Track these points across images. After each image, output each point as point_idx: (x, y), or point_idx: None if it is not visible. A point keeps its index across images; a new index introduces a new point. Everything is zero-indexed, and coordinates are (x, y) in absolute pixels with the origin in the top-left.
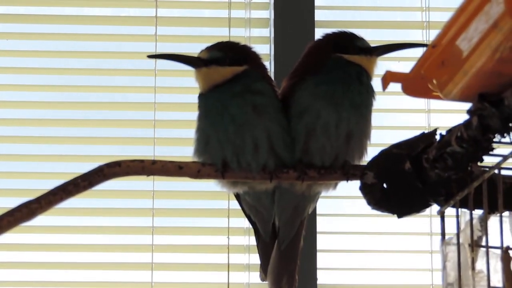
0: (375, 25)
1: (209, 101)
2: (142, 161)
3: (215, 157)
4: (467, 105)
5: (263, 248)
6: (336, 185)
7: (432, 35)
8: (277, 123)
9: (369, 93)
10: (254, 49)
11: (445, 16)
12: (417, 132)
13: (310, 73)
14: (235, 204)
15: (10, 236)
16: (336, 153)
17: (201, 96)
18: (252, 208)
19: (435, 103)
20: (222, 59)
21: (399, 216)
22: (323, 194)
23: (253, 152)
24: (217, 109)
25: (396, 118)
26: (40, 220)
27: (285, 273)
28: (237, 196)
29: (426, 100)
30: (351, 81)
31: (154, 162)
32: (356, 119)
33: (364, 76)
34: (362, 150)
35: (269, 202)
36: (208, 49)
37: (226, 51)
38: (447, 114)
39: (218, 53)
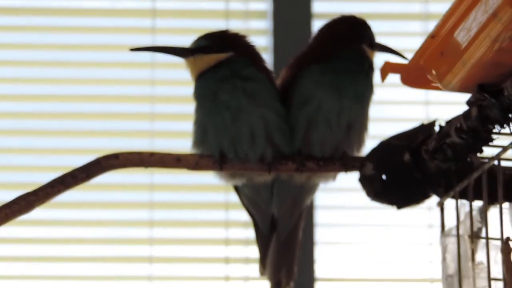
0: (374, 16)
1: (199, 88)
2: (140, 153)
3: (213, 147)
4: (466, 97)
5: (262, 241)
6: (335, 176)
7: (431, 26)
8: (273, 112)
9: (372, 87)
10: (246, 38)
11: (444, 7)
12: (416, 124)
13: (319, 60)
14: (233, 197)
15: (7, 230)
16: (336, 144)
17: (194, 85)
18: (250, 201)
19: (433, 95)
20: (208, 48)
21: (399, 207)
22: (321, 186)
23: (250, 142)
24: (209, 95)
25: (395, 110)
26: (38, 213)
27: (284, 266)
28: (236, 189)
29: (424, 92)
30: (358, 72)
31: (152, 154)
32: (357, 110)
33: (372, 69)
34: (361, 142)
35: (267, 194)
36: (197, 39)
37: (213, 40)
38: (446, 106)
39: (204, 42)
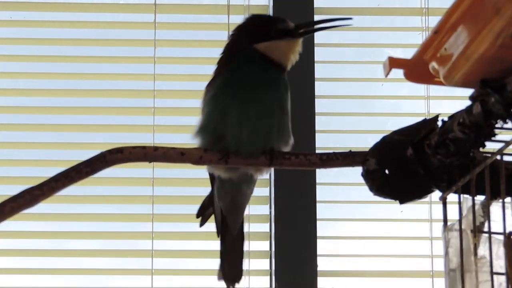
0: (374, 12)
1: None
2: (144, 147)
3: (213, 134)
4: (469, 92)
5: (230, 245)
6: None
7: (431, 21)
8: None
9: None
10: None
11: (444, 2)
12: (417, 119)
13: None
14: None
15: (12, 223)
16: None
17: (246, 65)
18: (226, 197)
19: (434, 90)
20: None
21: (401, 202)
22: (323, 181)
23: (255, 138)
24: (258, 85)
25: (396, 105)
26: (42, 207)
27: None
28: (212, 188)
29: (425, 86)
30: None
31: (156, 148)
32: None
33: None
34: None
35: (250, 189)
36: (283, 20)
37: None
38: (447, 101)
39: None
